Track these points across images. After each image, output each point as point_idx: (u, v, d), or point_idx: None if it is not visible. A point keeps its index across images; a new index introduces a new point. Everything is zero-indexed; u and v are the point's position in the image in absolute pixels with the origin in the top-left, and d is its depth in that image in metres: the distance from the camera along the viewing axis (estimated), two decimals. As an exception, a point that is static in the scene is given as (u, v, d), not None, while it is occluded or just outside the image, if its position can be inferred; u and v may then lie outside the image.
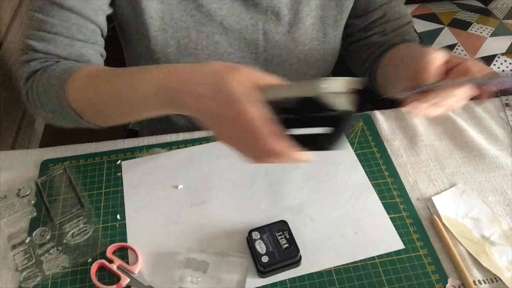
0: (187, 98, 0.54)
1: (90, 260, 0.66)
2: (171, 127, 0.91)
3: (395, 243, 0.67)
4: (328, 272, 0.64)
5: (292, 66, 0.83)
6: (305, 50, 0.82)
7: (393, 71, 0.78)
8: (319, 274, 0.64)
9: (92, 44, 0.74)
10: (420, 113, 0.61)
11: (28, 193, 0.73)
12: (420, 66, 0.61)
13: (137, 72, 0.61)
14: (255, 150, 0.55)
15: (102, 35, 0.77)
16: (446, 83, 0.60)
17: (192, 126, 0.88)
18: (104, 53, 0.78)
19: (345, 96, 0.55)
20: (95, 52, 0.75)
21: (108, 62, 0.81)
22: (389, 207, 0.71)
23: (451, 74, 0.62)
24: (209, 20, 0.77)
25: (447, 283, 0.63)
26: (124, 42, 0.87)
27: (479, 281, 0.63)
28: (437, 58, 0.61)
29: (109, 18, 0.78)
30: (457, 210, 0.70)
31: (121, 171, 0.76)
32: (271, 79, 0.55)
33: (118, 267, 0.64)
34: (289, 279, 0.63)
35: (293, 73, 0.84)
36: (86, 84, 0.66)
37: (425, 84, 0.60)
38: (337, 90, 0.54)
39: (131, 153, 0.79)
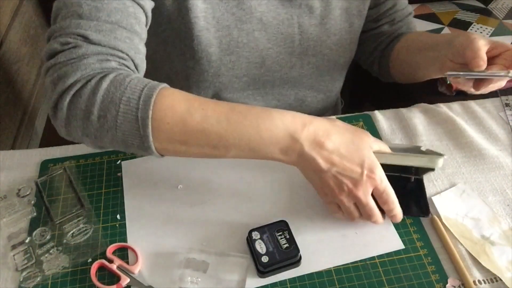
0: (319, 149, 0.59)
1: (90, 260, 0.66)
2: None
3: (395, 243, 0.67)
4: (328, 272, 0.64)
5: (325, 56, 0.86)
6: (336, 40, 0.85)
7: (417, 56, 0.84)
8: (319, 274, 0.64)
9: (143, 40, 0.64)
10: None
11: (28, 193, 0.73)
12: (468, 54, 0.67)
13: (261, 113, 0.58)
14: (365, 210, 0.63)
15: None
16: (499, 74, 0.66)
17: None
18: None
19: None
20: (144, 51, 0.64)
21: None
22: (389, 207, 0.71)
23: (498, 60, 0.67)
24: (249, 17, 0.77)
25: (447, 283, 0.63)
26: (154, 42, 0.81)
27: (479, 281, 0.63)
28: (483, 44, 0.66)
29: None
30: (457, 210, 0.70)
31: (121, 171, 0.76)
32: (384, 147, 0.65)
33: (118, 267, 0.64)
34: (289, 279, 0.63)
35: (325, 63, 0.87)
36: (186, 114, 0.55)
37: (478, 71, 0.67)
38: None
39: (131, 153, 0.79)
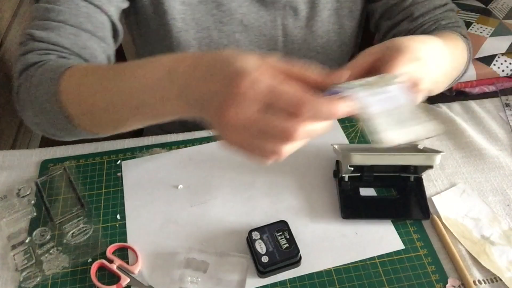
0: (193, 81, 0.46)
1: (90, 260, 0.65)
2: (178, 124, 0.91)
3: (395, 243, 0.67)
4: (328, 272, 0.64)
5: (311, 59, 0.84)
6: (323, 43, 0.83)
7: None
8: (319, 274, 0.64)
9: (100, 38, 0.68)
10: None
11: (28, 193, 0.73)
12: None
13: (141, 62, 0.54)
14: (281, 132, 0.43)
15: (114, 35, 0.72)
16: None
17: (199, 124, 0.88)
18: (112, 57, 0.72)
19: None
20: (102, 49, 0.68)
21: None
22: (389, 207, 0.71)
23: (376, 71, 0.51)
24: (229, 19, 0.77)
25: (447, 283, 0.63)
26: (140, 43, 0.84)
27: (479, 281, 0.63)
28: (365, 53, 0.52)
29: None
30: (457, 210, 0.70)
31: (121, 171, 0.76)
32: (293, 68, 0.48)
33: (118, 267, 0.64)
34: (289, 279, 0.63)
35: (313, 65, 0.85)
36: (82, 80, 0.58)
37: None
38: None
39: (131, 153, 0.79)
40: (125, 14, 0.79)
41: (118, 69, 0.56)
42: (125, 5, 0.73)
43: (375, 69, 0.50)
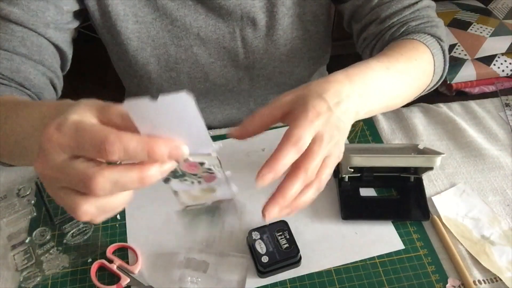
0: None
1: (90, 260, 0.66)
2: None
3: (395, 243, 0.67)
4: (328, 272, 0.64)
5: (276, 68, 0.82)
6: (287, 51, 0.80)
7: None
8: (319, 274, 0.64)
9: (35, 62, 0.67)
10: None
11: (28, 193, 0.73)
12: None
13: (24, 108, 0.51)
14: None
15: (62, 57, 0.71)
16: None
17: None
18: (58, 80, 0.71)
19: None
20: (39, 72, 0.67)
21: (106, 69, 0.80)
22: (389, 207, 0.71)
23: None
24: (185, 33, 0.76)
25: (447, 283, 0.63)
26: (113, 61, 0.86)
27: (479, 281, 0.63)
28: (275, 104, 0.50)
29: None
30: (457, 210, 0.70)
31: (121, 171, 0.76)
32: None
33: (118, 267, 0.64)
34: (289, 279, 0.63)
35: (277, 75, 0.83)
36: None
37: None
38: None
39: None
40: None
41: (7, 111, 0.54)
42: (72, 26, 0.72)
43: (288, 115, 0.49)
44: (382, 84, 0.57)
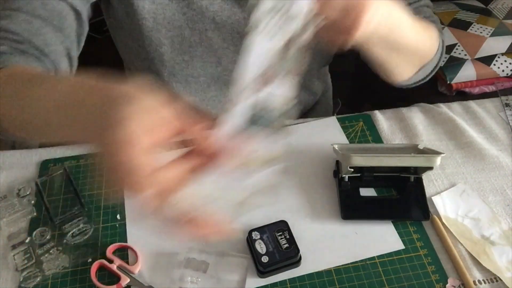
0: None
1: (90, 260, 0.66)
2: None
3: (395, 243, 0.67)
4: (328, 272, 0.64)
5: None
6: None
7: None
8: (319, 274, 0.64)
9: (55, 28, 0.64)
10: None
11: (28, 193, 0.73)
12: None
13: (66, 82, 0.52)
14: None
15: (79, 30, 0.68)
16: None
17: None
18: (73, 52, 0.68)
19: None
20: (57, 40, 0.65)
21: (106, 61, 0.80)
22: (389, 207, 0.71)
23: None
24: (201, 17, 0.76)
25: (447, 283, 0.63)
26: (119, 43, 0.86)
27: (479, 281, 0.63)
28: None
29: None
30: (457, 210, 0.70)
31: (121, 171, 0.76)
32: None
33: (118, 267, 0.64)
34: (289, 279, 0.63)
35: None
36: (7, 81, 0.56)
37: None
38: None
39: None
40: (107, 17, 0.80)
41: (41, 81, 0.54)
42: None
43: None
44: (405, 23, 0.62)
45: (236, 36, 0.79)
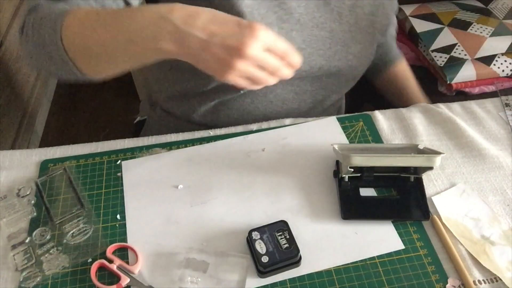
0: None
1: (90, 260, 0.66)
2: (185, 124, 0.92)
3: (395, 243, 0.67)
4: (328, 272, 0.64)
5: (349, 62, 0.87)
6: (359, 49, 0.86)
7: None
8: (319, 274, 0.64)
9: None
10: None
11: (28, 193, 0.73)
12: None
13: (130, 10, 0.62)
14: (267, 65, 0.58)
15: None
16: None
17: (204, 124, 0.88)
18: None
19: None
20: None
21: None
22: (389, 207, 0.71)
23: None
24: (289, 17, 0.79)
25: (447, 283, 0.63)
26: None
27: (479, 281, 0.63)
28: None
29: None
30: (457, 210, 0.70)
31: (121, 171, 0.76)
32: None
33: (118, 267, 0.64)
34: (289, 279, 0.63)
35: (347, 68, 0.88)
36: (83, 16, 0.63)
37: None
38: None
39: (131, 153, 0.79)
40: None
41: (115, 12, 0.64)
42: None
43: None
44: None
45: (314, 39, 0.83)
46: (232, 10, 0.76)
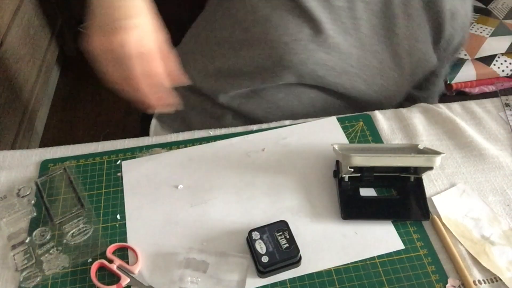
0: None
1: (90, 260, 0.66)
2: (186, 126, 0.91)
3: (395, 243, 0.67)
4: (328, 272, 0.64)
5: (383, 95, 0.90)
6: (395, 90, 0.90)
7: None
8: (319, 274, 0.64)
9: None
10: None
11: (28, 193, 0.73)
12: None
13: None
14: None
15: None
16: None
17: (227, 108, 0.89)
18: None
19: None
20: None
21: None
22: (389, 207, 0.71)
23: None
24: (356, 32, 0.82)
25: (447, 283, 0.63)
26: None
27: (479, 281, 0.63)
28: None
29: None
30: (457, 210, 0.70)
31: (121, 171, 0.76)
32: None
33: (118, 267, 0.64)
34: (289, 279, 0.63)
35: (377, 101, 0.90)
36: None
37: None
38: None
39: (131, 153, 0.79)
40: None
41: None
42: None
43: None
44: None
45: (365, 62, 0.84)
46: (311, 20, 0.78)
